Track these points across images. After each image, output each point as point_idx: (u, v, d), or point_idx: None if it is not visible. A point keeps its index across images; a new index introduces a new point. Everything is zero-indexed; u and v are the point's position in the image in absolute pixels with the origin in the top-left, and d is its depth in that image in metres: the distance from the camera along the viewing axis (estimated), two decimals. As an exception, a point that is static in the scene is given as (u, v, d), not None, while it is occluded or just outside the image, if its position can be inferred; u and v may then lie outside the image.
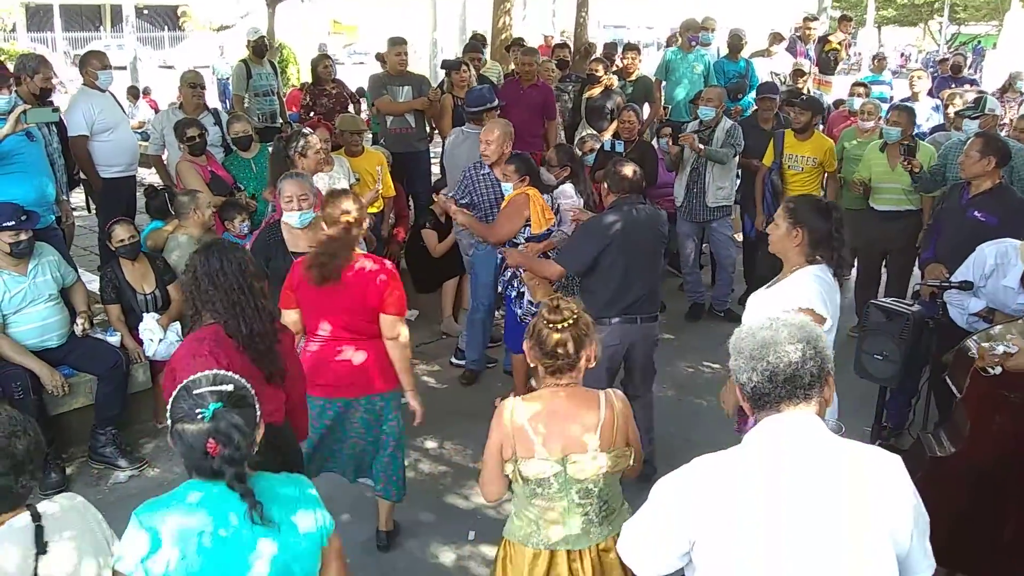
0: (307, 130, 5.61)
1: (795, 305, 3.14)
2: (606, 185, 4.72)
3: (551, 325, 2.72)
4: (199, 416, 2.16)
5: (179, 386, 2.25)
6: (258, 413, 2.29)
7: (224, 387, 2.23)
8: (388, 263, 3.97)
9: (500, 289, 5.61)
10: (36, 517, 2.20)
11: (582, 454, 2.69)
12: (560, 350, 2.71)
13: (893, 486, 1.99)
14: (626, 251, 4.52)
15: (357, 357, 3.90)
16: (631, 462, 2.80)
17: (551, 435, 2.70)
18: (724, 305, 7.27)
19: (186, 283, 3.19)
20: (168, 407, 2.24)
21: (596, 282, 4.58)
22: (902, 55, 35.11)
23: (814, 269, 3.30)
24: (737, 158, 7.09)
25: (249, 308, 3.07)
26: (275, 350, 3.14)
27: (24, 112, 4.85)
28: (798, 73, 9.22)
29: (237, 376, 2.31)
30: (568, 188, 5.55)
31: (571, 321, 2.72)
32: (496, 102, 6.39)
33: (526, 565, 2.79)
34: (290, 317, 3.86)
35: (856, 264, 7.16)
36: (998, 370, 3.64)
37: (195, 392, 2.21)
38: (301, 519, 2.29)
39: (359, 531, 4.25)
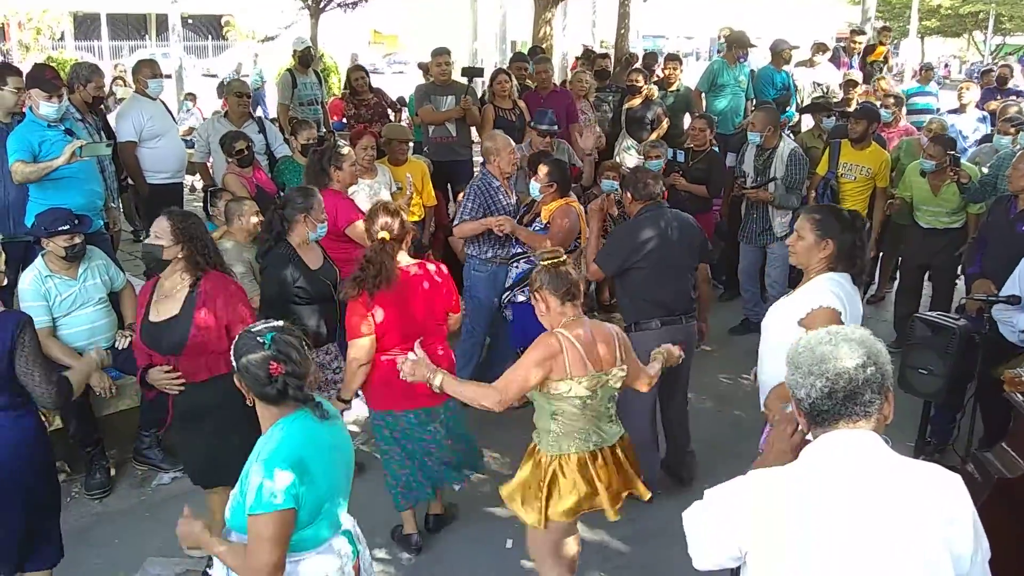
0: (342, 142, 5.65)
1: (813, 305, 3.29)
2: (629, 194, 4.75)
3: (551, 261, 3.31)
4: (259, 343, 2.56)
5: (239, 335, 2.67)
6: (307, 340, 2.70)
7: (274, 323, 2.67)
8: (437, 265, 4.17)
9: (502, 304, 5.52)
10: None
11: (613, 367, 3.35)
12: (568, 275, 3.30)
13: (954, 506, 1.93)
14: (660, 256, 4.57)
15: (443, 354, 4.08)
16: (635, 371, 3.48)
17: (594, 354, 3.29)
18: None
19: (180, 237, 3.77)
20: (232, 352, 2.61)
21: (633, 285, 4.65)
22: (945, 66, 34.67)
23: (833, 275, 3.37)
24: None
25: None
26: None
27: (80, 148, 4.99)
28: (851, 84, 9.16)
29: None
30: None
31: (563, 256, 3.36)
32: (556, 129, 6.62)
33: (578, 471, 3.33)
34: (364, 343, 3.89)
35: (898, 278, 7.10)
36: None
37: (253, 330, 2.63)
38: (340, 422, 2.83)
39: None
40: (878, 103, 8.14)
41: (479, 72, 8.25)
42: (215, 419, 3.74)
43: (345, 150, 5.40)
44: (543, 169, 5.25)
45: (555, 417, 3.34)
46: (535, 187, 5.28)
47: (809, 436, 2.08)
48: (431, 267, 4.11)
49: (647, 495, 3.51)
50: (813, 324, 3.22)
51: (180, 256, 3.77)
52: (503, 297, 5.49)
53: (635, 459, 3.54)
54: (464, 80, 7.94)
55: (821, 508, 1.91)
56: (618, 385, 3.39)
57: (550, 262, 3.33)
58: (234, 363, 2.60)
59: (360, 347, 3.89)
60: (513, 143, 5.59)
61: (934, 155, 6.19)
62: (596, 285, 7.20)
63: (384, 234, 3.90)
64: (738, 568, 2.10)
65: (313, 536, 2.61)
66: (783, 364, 2.98)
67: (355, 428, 5.40)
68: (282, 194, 6.38)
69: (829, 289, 3.31)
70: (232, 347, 2.64)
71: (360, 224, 4.96)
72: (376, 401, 4.11)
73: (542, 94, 7.73)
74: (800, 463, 2.02)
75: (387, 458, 4.17)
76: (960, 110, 8.68)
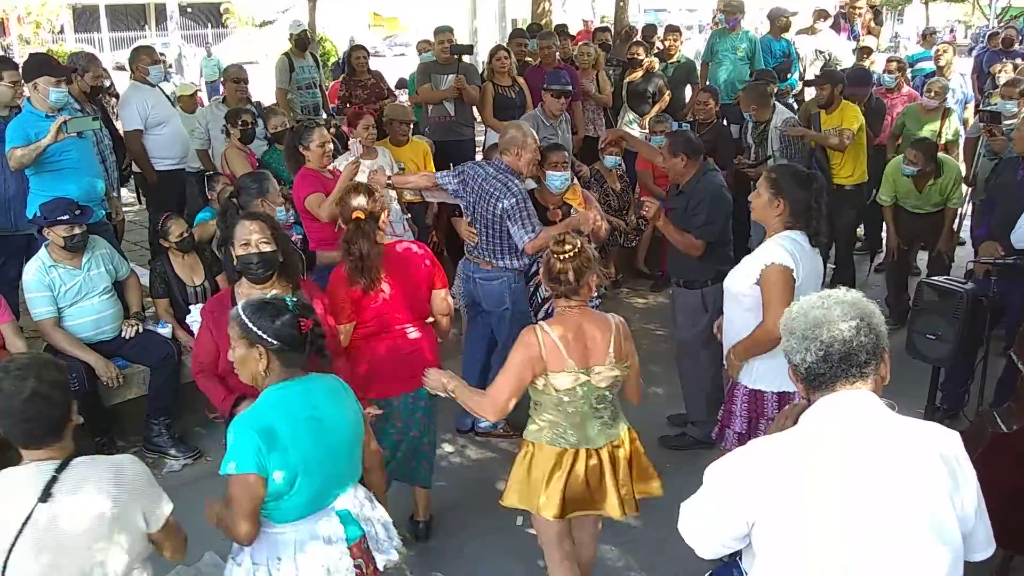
0: (320, 121, 5.52)
1: (762, 263, 3.42)
2: (683, 157, 4.72)
3: (556, 255, 3.11)
4: (284, 306, 2.67)
5: (250, 305, 2.69)
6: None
7: (276, 292, 2.91)
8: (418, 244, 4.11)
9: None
10: (61, 468, 2.30)
11: (602, 365, 3.13)
12: (562, 276, 3.11)
13: (955, 460, 1.95)
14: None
15: (421, 343, 3.99)
16: (632, 375, 3.27)
17: (577, 349, 3.10)
18: None
19: (278, 240, 3.51)
20: (254, 322, 2.64)
21: (721, 245, 4.79)
22: (951, 31, 34.31)
23: (788, 233, 3.49)
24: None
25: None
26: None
27: (65, 122, 4.94)
28: (865, 51, 9.07)
29: None
30: None
31: (573, 253, 3.09)
32: (570, 88, 6.56)
33: (551, 461, 3.19)
34: (347, 330, 3.82)
35: (885, 254, 7.08)
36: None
37: (266, 299, 2.72)
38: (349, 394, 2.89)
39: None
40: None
41: (468, 49, 8.18)
42: None
43: (318, 132, 5.20)
44: (561, 155, 4.98)
45: (535, 405, 3.27)
46: (561, 178, 4.95)
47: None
48: (414, 247, 4.04)
49: (659, 492, 3.36)
50: (766, 283, 3.42)
51: (282, 261, 3.51)
52: (545, 306, 5.04)
53: (643, 460, 3.38)
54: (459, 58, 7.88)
55: (824, 470, 1.92)
56: (604, 385, 3.16)
57: (556, 252, 3.13)
58: (257, 331, 2.62)
59: (343, 332, 3.78)
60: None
61: (915, 161, 6.19)
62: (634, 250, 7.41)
63: (358, 214, 3.80)
64: (737, 552, 2.10)
65: (292, 507, 2.62)
66: (740, 319, 3.14)
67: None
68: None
69: (781, 245, 3.43)
70: (250, 317, 2.65)
71: (313, 197, 4.93)
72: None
73: (546, 70, 7.68)
74: (801, 427, 2.03)
75: None
76: (939, 73, 8.62)
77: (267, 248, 3.42)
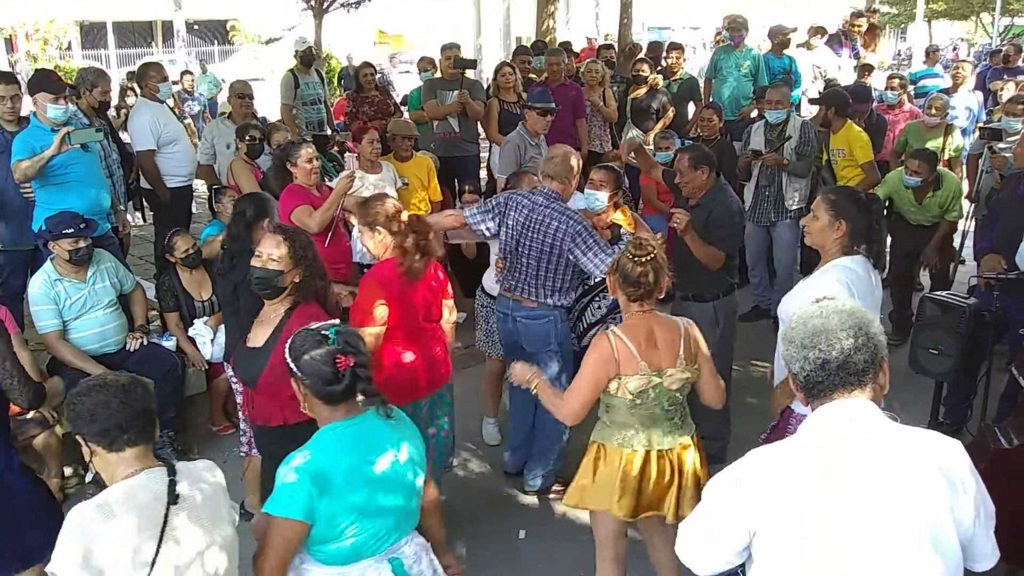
0: (304, 138, 5.51)
1: (817, 295, 3.17)
2: (706, 167, 4.75)
3: (635, 258, 3.17)
4: (323, 337, 2.48)
5: (294, 334, 2.58)
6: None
7: (331, 321, 2.61)
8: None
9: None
10: (171, 471, 2.34)
11: (673, 368, 3.20)
12: (643, 280, 3.18)
13: (955, 470, 1.95)
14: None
15: (441, 345, 4.08)
16: (707, 376, 3.33)
17: (649, 352, 3.19)
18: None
19: (297, 258, 3.38)
20: (288, 353, 2.52)
21: (731, 258, 4.82)
22: (954, 49, 34.44)
23: (846, 261, 3.32)
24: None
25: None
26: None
27: (68, 134, 4.99)
28: (866, 69, 9.11)
29: None
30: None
31: (652, 255, 3.17)
32: (552, 106, 6.41)
33: (620, 463, 3.27)
34: (375, 332, 3.74)
35: (887, 266, 7.08)
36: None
37: (312, 328, 2.55)
38: (411, 430, 2.71)
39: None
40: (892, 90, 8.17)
41: (472, 64, 8.24)
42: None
43: (305, 149, 5.20)
44: (606, 175, 4.68)
45: (606, 407, 3.33)
46: (600, 197, 4.63)
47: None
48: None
49: None
50: None
51: (296, 281, 3.39)
52: (591, 331, 4.72)
53: (704, 467, 3.39)
54: (468, 74, 7.96)
55: (823, 478, 1.93)
56: (675, 387, 3.24)
57: (635, 256, 3.18)
58: (291, 364, 2.49)
59: (370, 335, 3.69)
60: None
61: (919, 171, 6.19)
62: None
63: (395, 209, 3.88)
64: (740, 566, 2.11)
65: (340, 552, 2.48)
66: None
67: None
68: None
69: (836, 278, 3.25)
70: (288, 348, 2.53)
71: (300, 209, 4.98)
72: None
73: (551, 86, 7.71)
74: (799, 435, 2.05)
75: None
76: (952, 90, 8.67)
77: (273, 266, 3.35)
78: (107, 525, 2.19)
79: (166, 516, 2.26)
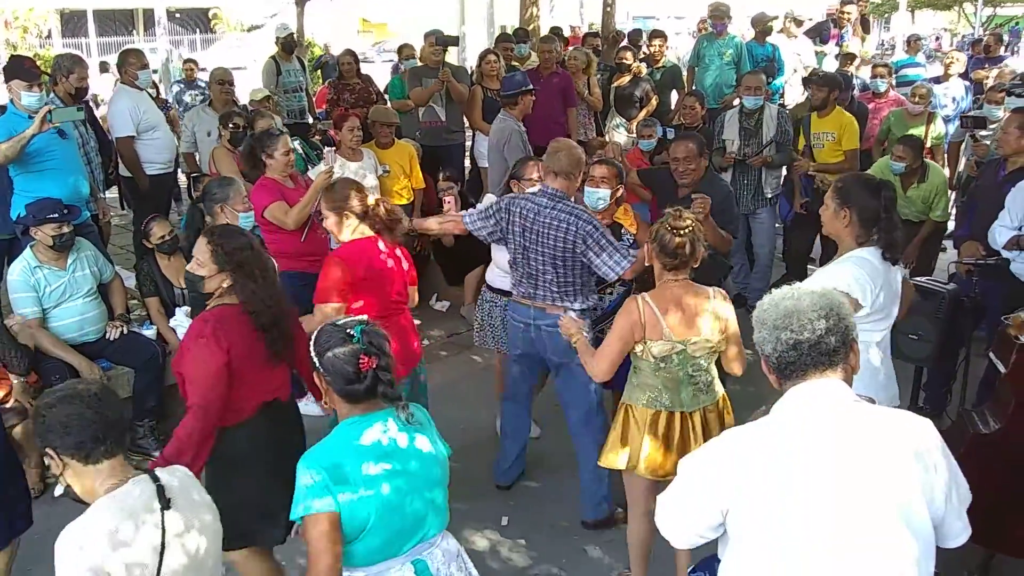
0: (278, 131, 5.43)
1: (832, 286, 3.09)
2: (707, 156, 4.90)
3: (674, 230, 3.28)
4: (348, 335, 2.42)
5: (319, 329, 2.50)
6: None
7: (360, 316, 2.54)
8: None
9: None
10: (154, 479, 2.29)
11: (698, 336, 3.33)
12: (680, 251, 3.30)
13: (925, 448, 1.97)
14: None
15: (410, 324, 4.14)
16: (732, 346, 3.43)
17: (675, 320, 3.32)
18: (759, 297, 7.14)
19: (220, 263, 3.20)
20: (312, 348, 2.45)
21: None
22: (936, 39, 34.56)
23: (860, 252, 3.22)
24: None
25: (270, 288, 3.23)
26: (289, 330, 3.29)
27: (50, 112, 4.93)
28: (848, 57, 9.13)
29: None
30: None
31: (690, 227, 3.29)
32: (530, 85, 6.42)
33: (647, 422, 3.42)
34: (335, 307, 3.71)
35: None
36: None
37: (339, 323, 2.49)
38: (432, 432, 2.62)
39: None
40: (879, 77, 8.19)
41: (454, 41, 8.20)
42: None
43: (282, 139, 5.16)
44: (608, 171, 4.42)
45: (635, 369, 3.48)
46: (602, 195, 4.38)
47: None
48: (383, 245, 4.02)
49: None
50: None
51: (225, 286, 3.23)
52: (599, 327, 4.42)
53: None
54: (453, 60, 7.92)
55: (796, 457, 1.96)
56: (699, 354, 3.36)
57: (674, 228, 3.29)
58: (315, 359, 2.44)
59: (326, 313, 3.64)
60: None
61: (903, 157, 6.16)
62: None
63: (368, 199, 3.96)
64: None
65: (358, 552, 2.41)
66: None
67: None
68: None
69: (850, 273, 3.15)
70: (313, 341, 2.47)
71: (275, 206, 4.98)
72: None
73: (543, 74, 7.69)
74: (773, 415, 2.07)
75: None
76: (943, 79, 8.71)
77: (198, 271, 3.25)
78: (111, 543, 2.11)
79: (163, 522, 2.21)
